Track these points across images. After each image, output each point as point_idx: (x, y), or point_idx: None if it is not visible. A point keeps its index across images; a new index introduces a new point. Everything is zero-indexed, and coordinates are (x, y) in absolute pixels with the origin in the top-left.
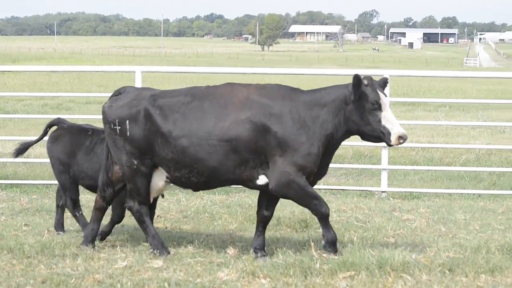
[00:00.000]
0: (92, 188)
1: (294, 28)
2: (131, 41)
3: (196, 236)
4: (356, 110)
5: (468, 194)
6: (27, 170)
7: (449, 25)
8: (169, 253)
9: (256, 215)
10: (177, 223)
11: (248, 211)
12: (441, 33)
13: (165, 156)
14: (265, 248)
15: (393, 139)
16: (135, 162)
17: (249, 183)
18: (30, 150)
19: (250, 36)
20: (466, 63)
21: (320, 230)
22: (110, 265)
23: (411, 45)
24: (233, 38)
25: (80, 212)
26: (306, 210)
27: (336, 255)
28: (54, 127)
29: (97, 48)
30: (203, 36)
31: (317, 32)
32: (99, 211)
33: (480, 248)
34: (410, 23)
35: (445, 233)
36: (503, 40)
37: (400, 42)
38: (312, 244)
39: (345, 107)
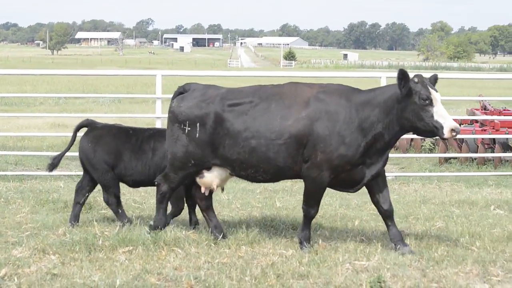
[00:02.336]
0: (140, 184)
1: (80, 35)
2: None
3: None
4: (408, 107)
5: None
6: None
7: (215, 31)
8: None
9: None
10: None
11: (39, 195)
12: (208, 38)
13: (229, 156)
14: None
15: (446, 132)
16: (192, 162)
17: None
18: None
19: (41, 42)
20: (229, 64)
21: (104, 211)
22: None
23: (182, 48)
24: (26, 43)
25: (123, 209)
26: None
27: (306, 250)
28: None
29: None
30: None
31: (100, 38)
32: (207, 210)
33: (241, 224)
34: (181, 30)
35: None
36: (261, 44)
37: (172, 46)
38: (96, 223)
39: (397, 105)
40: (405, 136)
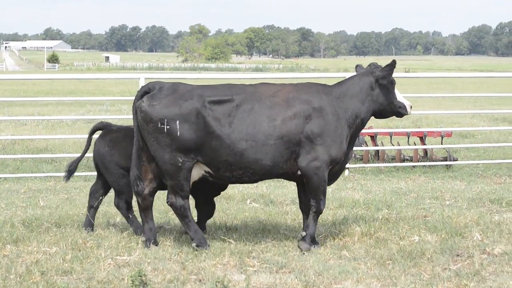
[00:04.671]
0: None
1: None
2: None
3: None
4: (383, 92)
5: None
6: None
7: None
8: (209, 246)
9: (300, 210)
10: None
11: None
12: None
13: (216, 157)
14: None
15: (409, 109)
16: (180, 160)
17: (293, 176)
18: None
19: None
20: None
21: None
22: None
23: None
24: None
25: (133, 214)
26: None
27: (313, 247)
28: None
29: None
30: None
31: None
32: (147, 210)
33: (6, 223)
34: None
35: None
36: (25, 47)
37: None
38: None
39: (372, 92)
40: None
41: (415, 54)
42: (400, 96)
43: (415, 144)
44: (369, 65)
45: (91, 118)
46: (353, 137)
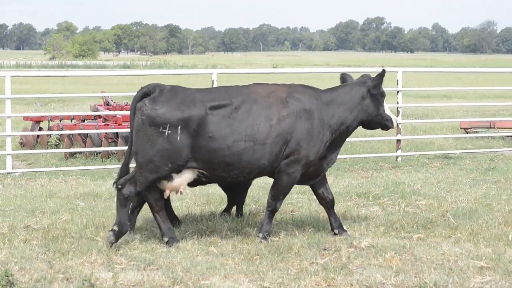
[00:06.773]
0: None
1: None
2: None
3: None
4: (373, 103)
5: None
6: None
7: None
8: (120, 237)
9: (320, 204)
10: None
11: None
12: None
13: (213, 159)
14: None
15: (395, 123)
16: (169, 165)
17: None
18: None
19: None
20: None
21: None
22: None
23: None
24: None
25: None
26: None
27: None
28: None
29: None
30: None
31: None
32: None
33: None
34: None
35: None
36: None
37: None
38: None
39: (363, 102)
40: (32, 132)
41: (283, 50)
42: (388, 109)
43: None
44: (362, 76)
45: None
46: (337, 143)
